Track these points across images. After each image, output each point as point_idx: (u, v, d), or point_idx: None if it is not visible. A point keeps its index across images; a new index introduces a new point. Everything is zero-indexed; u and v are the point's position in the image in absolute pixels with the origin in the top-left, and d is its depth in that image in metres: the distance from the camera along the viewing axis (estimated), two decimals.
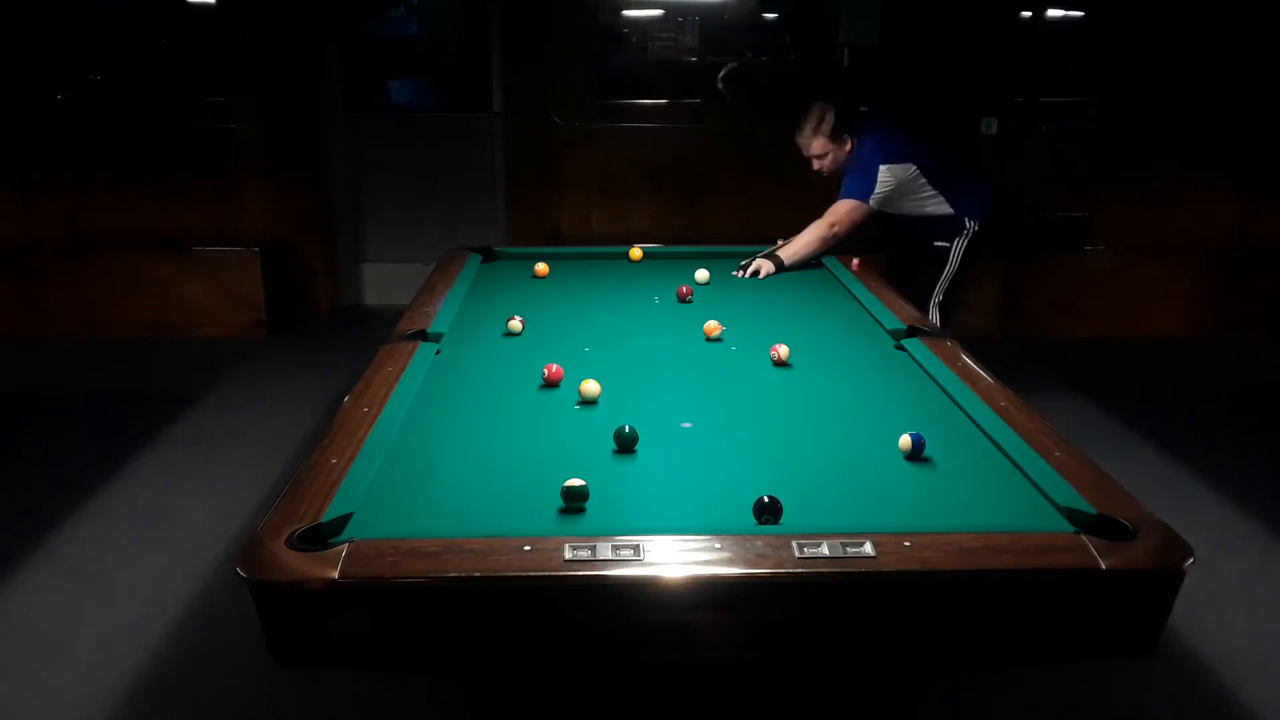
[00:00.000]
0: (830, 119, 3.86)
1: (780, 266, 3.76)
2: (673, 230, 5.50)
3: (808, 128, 3.89)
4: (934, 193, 3.92)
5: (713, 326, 2.94)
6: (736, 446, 2.19)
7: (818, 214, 3.87)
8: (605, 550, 1.62)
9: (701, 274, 3.62)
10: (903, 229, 4.06)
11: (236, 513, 3.52)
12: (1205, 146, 5.60)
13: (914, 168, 3.86)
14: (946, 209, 3.95)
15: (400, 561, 1.60)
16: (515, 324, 3.00)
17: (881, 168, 3.81)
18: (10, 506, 3.58)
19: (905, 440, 2.10)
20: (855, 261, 3.82)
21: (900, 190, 3.87)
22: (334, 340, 5.53)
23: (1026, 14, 5.66)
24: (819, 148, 3.89)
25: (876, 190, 3.81)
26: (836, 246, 3.90)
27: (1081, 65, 5.82)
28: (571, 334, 3.02)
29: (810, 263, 3.87)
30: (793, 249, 3.82)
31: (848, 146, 3.89)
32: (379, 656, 1.67)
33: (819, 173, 3.97)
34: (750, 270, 3.74)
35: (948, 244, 4.00)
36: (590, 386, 2.42)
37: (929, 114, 5.42)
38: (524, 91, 5.74)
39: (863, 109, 4.06)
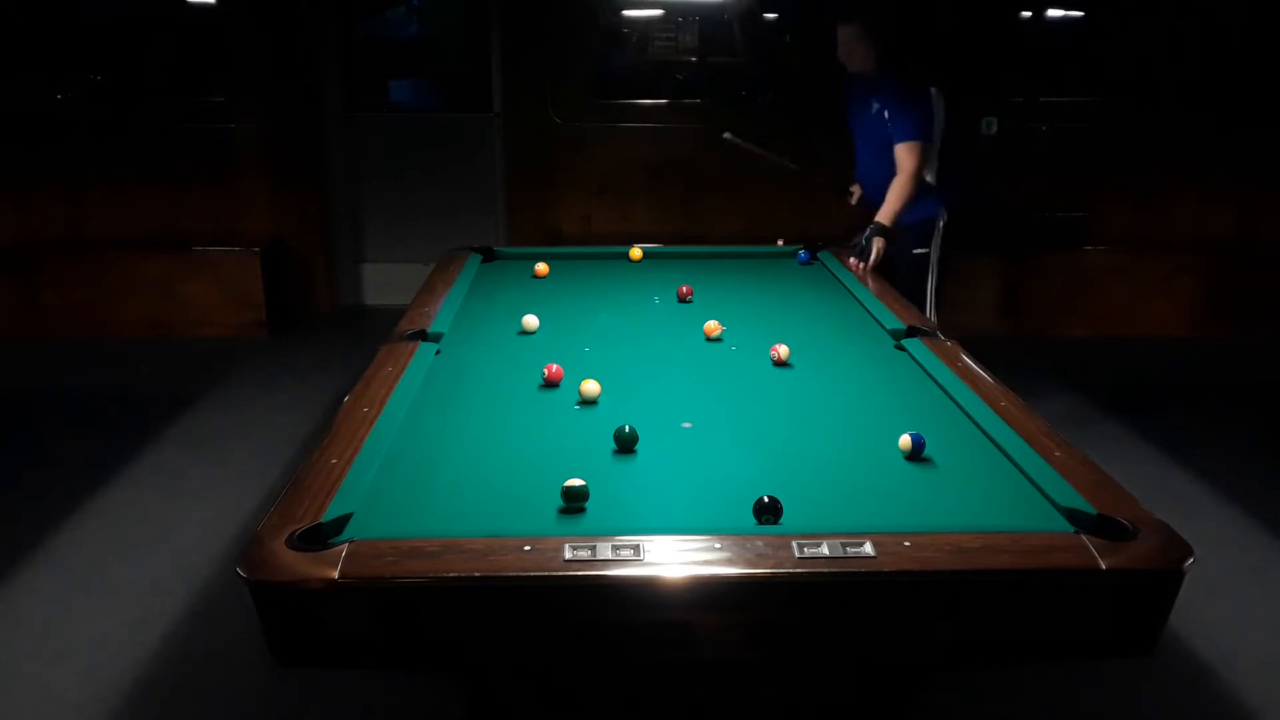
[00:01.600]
0: (875, 31, 3.85)
1: (889, 234, 3.71)
2: (673, 230, 5.51)
3: (857, 21, 3.86)
4: (934, 154, 3.90)
5: (713, 326, 2.94)
6: (736, 446, 2.19)
7: (816, 214, 3.88)
8: (605, 550, 1.62)
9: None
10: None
11: (236, 513, 3.52)
12: (1205, 146, 5.61)
13: (941, 99, 3.87)
14: (929, 180, 3.90)
15: (400, 561, 1.60)
16: (530, 321, 3.01)
17: (932, 90, 3.84)
18: (10, 506, 3.58)
19: (905, 440, 2.10)
20: (854, 261, 3.81)
21: (936, 125, 3.86)
22: (334, 340, 5.53)
23: (1026, 14, 5.66)
24: (854, 34, 3.85)
25: (933, 123, 3.82)
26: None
27: (1081, 65, 5.83)
28: (571, 334, 3.02)
29: (811, 263, 3.87)
30: (891, 209, 3.74)
31: (873, 54, 3.86)
32: (379, 656, 1.67)
33: (843, 60, 3.92)
34: (874, 258, 3.64)
35: (926, 249, 3.96)
36: (590, 386, 2.42)
37: None
38: (524, 91, 5.74)
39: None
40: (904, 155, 3.77)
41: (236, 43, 5.55)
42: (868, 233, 3.71)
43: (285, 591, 1.58)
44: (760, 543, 1.66)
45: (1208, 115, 5.59)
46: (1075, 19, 5.80)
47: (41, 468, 3.91)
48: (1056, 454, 2.05)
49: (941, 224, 3.96)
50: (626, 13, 6.02)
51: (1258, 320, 5.56)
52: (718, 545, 1.64)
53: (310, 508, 1.79)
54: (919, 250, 3.97)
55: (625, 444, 2.12)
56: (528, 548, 1.62)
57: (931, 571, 1.61)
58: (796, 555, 1.61)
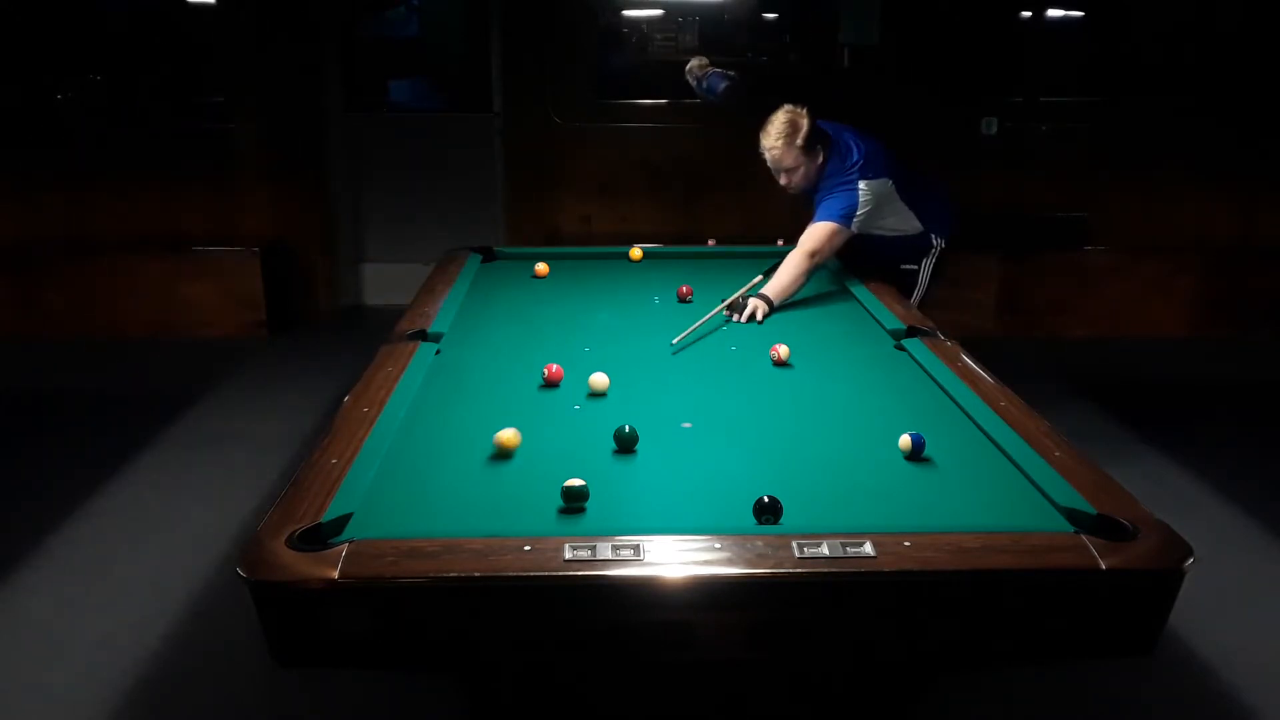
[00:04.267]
0: (805, 127, 3.37)
1: (772, 306, 3.28)
2: (673, 230, 5.51)
3: (780, 137, 3.37)
4: (907, 210, 3.58)
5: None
6: (736, 446, 2.19)
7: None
8: (605, 550, 1.62)
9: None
10: (868, 251, 3.74)
11: (236, 513, 3.52)
12: (1205, 146, 5.60)
13: (890, 183, 3.49)
14: (916, 225, 3.63)
15: (400, 561, 1.60)
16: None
17: (861, 184, 3.41)
18: (10, 506, 3.58)
19: (905, 440, 2.10)
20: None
21: (878, 209, 3.48)
22: (334, 340, 5.52)
23: (1026, 14, 5.66)
24: (791, 160, 3.40)
25: (858, 212, 3.41)
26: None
27: (1081, 65, 5.83)
28: (571, 334, 3.02)
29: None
30: (779, 286, 3.35)
31: (819, 160, 3.46)
32: (379, 656, 1.67)
33: (784, 189, 3.54)
34: (746, 315, 3.21)
35: (916, 266, 3.73)
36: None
37: (927, 114, 5.44)
38: (524, 91, 5.74)
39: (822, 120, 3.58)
40: (813, 232, 3.45)
41: (236, 43, 5.54)
42: (754, 291, 3.32)
43: (285, 591, 1.58)
44: (760, 543, 1.66)
45: (1208, 115, 5.59)
46: (1075, 19, 5.80)
47: (41, 468, 3.91)
48: (1056, 454, 2.05)
49: (937, 249, 3.71)
50: (626, 13, 6.02)
51: (1258, 320, 5.56)
52: (718, 545, 1.64)
53: (310, 508, 1.79)
54: (907, 266, 3.74)
55: (625, 444, 2.12)
56: (528, 548, 1.62)
57: (931, 571, 1.61)
58: (796, 555, 1.61)
